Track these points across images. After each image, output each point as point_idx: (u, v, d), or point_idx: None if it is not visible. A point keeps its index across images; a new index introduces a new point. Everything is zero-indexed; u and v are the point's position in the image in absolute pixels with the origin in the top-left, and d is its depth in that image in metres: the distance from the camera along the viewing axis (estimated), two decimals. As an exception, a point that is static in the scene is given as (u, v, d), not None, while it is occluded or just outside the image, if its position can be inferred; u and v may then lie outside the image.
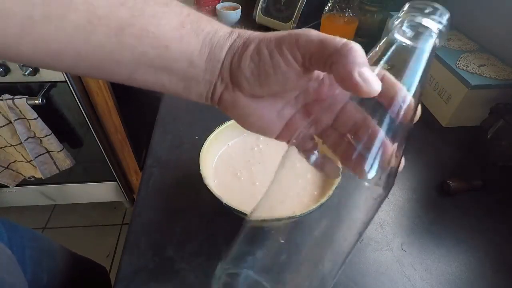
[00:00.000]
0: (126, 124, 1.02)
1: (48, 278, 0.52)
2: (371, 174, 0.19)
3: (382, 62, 0.20)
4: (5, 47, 0.19)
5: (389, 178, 0.20)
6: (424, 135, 0.58)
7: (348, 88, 0.19)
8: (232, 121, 0.44)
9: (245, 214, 0.34)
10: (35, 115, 0.86)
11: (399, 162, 0.20)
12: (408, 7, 0.20)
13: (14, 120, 0.85)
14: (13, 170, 1.03)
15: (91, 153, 1.05)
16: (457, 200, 0.47)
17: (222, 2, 0.89)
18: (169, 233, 0.41)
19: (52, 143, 0.93)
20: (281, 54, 0.21)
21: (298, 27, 0.79)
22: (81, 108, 0.91)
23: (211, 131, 0.43)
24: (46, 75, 0.84)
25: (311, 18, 0.81)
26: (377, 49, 0.21)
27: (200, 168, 0.38)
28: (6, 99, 0.82)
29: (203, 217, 0.43)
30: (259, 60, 0.21)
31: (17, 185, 1.08)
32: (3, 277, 0.40)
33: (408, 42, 0.20)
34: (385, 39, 0.21)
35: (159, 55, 0.21)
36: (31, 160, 0.95)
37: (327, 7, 0.69)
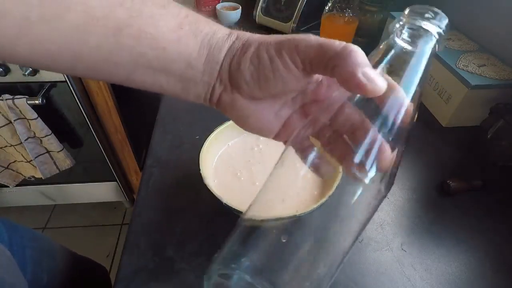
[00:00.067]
0: (126, 124, 1.02)
1: (48, 278, 0.52)
2: (369, 175, 0.19)
3: (381, 65, 0.20)
4: (1, 48, 0.19)
5: (388, 178, 0.20)
6: (424, 135, 0.58)
7: (353, 89, 0.19)
8: (232, 121, 0.44)
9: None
10: (35, 115, 0.86)
11: (399, 163, 0.20)
12: (409, 11, 0.20)
13: (14, 120, 0.85)
14: (13, 170, 1.03)
15: (91, 153, 1.05)
16: (457, 200, 0.47)
17: (222, 2, 0.89)
18: (169, 233, 0.41)
19: (52, 143, 0.93)
20: (281, 59, 0.21)
21: (298, 27, 0.79)
22: (81, 108, 0.91)
23: (211, 131, 0.43)
24: (46, 75, 0.84)
25: (311, 18, 0.81)
26: (376, 52, 0.21)
27: (200, 168, 0.38)
28: (6, 99, 0.82)
29: (203, 217, 0.43)
30: (259, 64, 0.21)
31: (17, 185, 1.08)
32: (3, 277, 0.40)
33: (408, 46, 0.20)
34: (385, 42, 0.21)
35: (157, 56, 0.21)
36: (31, 160, 0.95)
37: (327, 7, 0.69)
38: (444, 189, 0.48)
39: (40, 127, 0.88)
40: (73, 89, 0.86)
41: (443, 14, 0.20)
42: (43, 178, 1.00)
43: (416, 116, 0.21)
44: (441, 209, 0.46)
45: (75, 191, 1.21)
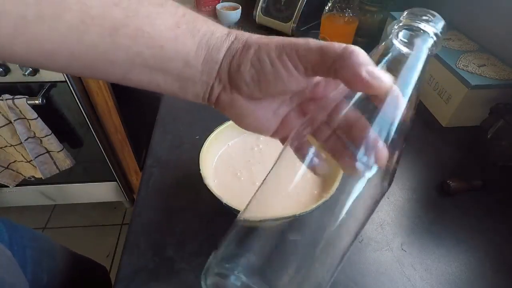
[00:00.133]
0: (126, 124, 1.02)
1: (48, 278, 0.52)
2: (366, 171, 0.19)
3: (379, 66, 0.21)
4: None
5: (388, 175, 0.20)
6: (424, 135, 0.58)
7: (360, 89, 0.19)
8: (232, 121, 0.44)
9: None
10: (35, 115, 0.86)
11: (398, 160, 0.21)
12: (407, 13, 0.21)
13: (14, 120, 0.85)
14: (13, 170, 1.03)
15: (91, 153, 1.05)
16: (457, 200, 0.47)
17: (222, 2, 0.89)
18: (169, 233, 0.41)
19: (52, 143, 0.93)
20: (282, 64, 0.21)
21: (298, 27, 0.79)
22: (81, 108, 0.91)
23: (211, 131, 0.43)
24: (46, 75, 0.84)
25: (311, 18, 0.81)
26: (374, 53, 0.22)
27: (200, 168, 0.38)
28: (6, 99, 0.82)
29: (203, 217, 0.43)
30: (260, 67, 0.21)
31: (17, 185, 1.08)
32: (3, 277, 0.40)
33: (405, 47, 0.21)
34: (383, 43, 0.22)
35: (154, 55, 0.21)
36: (31, 160, 0.95)
37: (327, 7, 0.69)
38: (444, 189, 0.48)
39: (40, 127, 0.88)
40: (73, 89, 0.86)
41: (439, 16, 0.21)
42: (43, 178, 1.00)
43: (414, 113, 0.21)
44: (441, 209, 0.46)
45: (75, 191, 1.21)
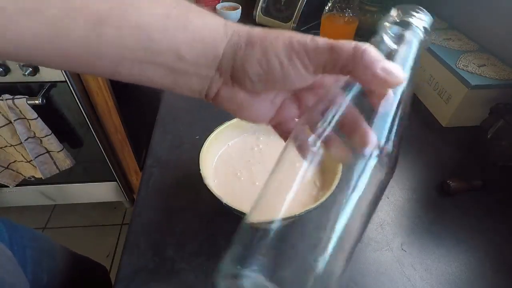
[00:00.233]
0: (126, 124, 1.02)
1: (48, 278, 0.52)
2: (360, 159, 0.20)
3: None
4: None
5: (390, 161, 0.21)
6: (424, 135, 0.58)
7: (376, 87, 0.20)
8: (232, 121, 0.44)
9: (245, 214, 0.34)
10: (35, 115, 0.86)
11: (398, 146, 0.21)
12: (396, 10, 0.22)
13: (14, 120, 0.85)
14: (13, 170, 1.03)
15: (91, 153, 1.05)
16: (457, 200, 0.47)
17: (222, 2, 0.89)
18: (169, 233, 0.41)
19: (52, 143, 0.93)
20: (292, 65, 0.21)
21: (298, 27, 0.79)
22: (81, 108, 0.91)
23: (211, 131, 0.43)
24: (46, 75, 0.84)
25: (311, 18, 0.81)
26: None
27: (200, 168, 0.38)
28: (6, 99, 0.82)
29: (203, 217, 0.43)
30: (268, 68, 0.21)
31: (17, 185, 1.08)
32: (3, 277, 0.40)
33: (395, 43, 0.22)
34: (373, 40, 0.22)
35: (142, 47, 0.20)
36: (31, 160, 0.95)
37: (327, 7, 0.69)
38: (444, 189, 0.48)
39: (40, 127, 0.88)
40: (73, 89, 0.86)
41: (427, 12, 0.22)
42: (43, 178, 1.00)
43: (410, 102, 0.22)
44: (441, 209, 0.46)
45: (75, 191, 1.21)
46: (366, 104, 0.21)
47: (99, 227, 1.34)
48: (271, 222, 0.21)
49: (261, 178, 0.42)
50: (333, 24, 0.70)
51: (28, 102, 0.82)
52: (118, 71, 0.22)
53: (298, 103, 0.26)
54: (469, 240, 0.43)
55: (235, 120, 0.44)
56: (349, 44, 0.20)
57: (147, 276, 0.37)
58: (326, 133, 0.21)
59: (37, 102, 0.82)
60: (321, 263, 0.20)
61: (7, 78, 0.83)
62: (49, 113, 0.90)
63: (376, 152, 0.20)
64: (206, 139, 0.42)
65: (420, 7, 0.21)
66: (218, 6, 0.86)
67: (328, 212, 0.23)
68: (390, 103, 0.21)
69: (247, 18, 0.86)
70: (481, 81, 0.54)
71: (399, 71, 0.19)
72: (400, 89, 0.21)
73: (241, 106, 0.24)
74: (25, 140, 0.89)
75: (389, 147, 0.21)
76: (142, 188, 0.46)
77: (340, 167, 0.22)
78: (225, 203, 0.35)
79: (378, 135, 0.20)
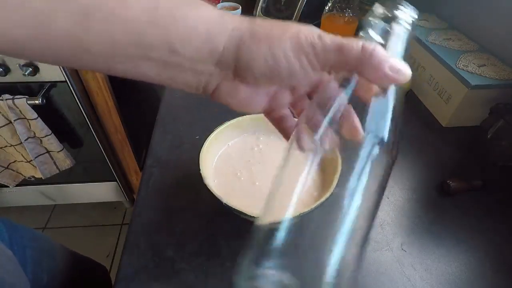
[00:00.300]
0: (126, 124, 1.02)
1: (48, 278, 0.52)
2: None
3: None
4: None
5: (392, 147, 0.21)
6: (424, 135, 0.58)
7: (385, 85, 0.21)
8: (232, 121, 0.44)
9: (245, 214, 0.35)
10: (35, 115, 0.86)
11: (395, 135, 0.21)
12: (380, 5, 0.22)
13: (14, 120, 0.85)
14: (13, 170, 1.03)
15: (91, 153, 1.05)
16: (457, 200, 0.47)
17: (222, 2, 0.89)
18: (169, 233, 0.41)
19: (52, 143, 0.93)
20: (300, 63, 0.21)
21: (298, 27, 0.79)
22: (81, 108, 0.91)
23: (211, 131, 0.43)
24: (46, 75, 0.84)
25: (311, 18, 0.81)
26: None
27: (200, 168, 0.38)
28: (6, 99, 0.82)
29: (203, 217, 0.43)
30: (275, 64, 0.21)
31: (17, 185, 1.08)
32: (3, 277, 0.40)
33: (381, 38, 0.22)
34: (359, 35, 0.22)
35: (132, 42, 0.20)
36: (31, 160, 0.95)
37: (327, 7, 0.69)
38: (444, 189, 0.48)
39: (40, 127, 0.88)
40: (73, 89, 0.86)
41: (411, 5, 0.22)
42: (43, 178, 1.00)
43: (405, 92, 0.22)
44: (441, 209, 0.46)
45: (75, 191, 1.21)
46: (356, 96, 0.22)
47: (99, 227, 1.34)
48: (284, 221, 0.22)
49: (261, 178, 0.42)
50: (333, 24, 0.70)
51: (28, 102, 0.83)
52: (114, 67, 0.21)
53: (292, 89, 0.26)
54: (469, 240, 0.43)
55: (235, 120, 0.45)
56: (357, 45, 0.20)
57: (147, 276, 0.37)
58: (326, 130, 0.21)
59: (37, 102, 0.83)
60: (337, 252, 0.21)
61: (7, 78, 0.83)
62: (49, 113, 0.90)
63: (376, 140, 0.21)
64: (206, 139, 0.42)
65: (404, 1, 0.22)
66: (218, 6, 0.86)
67: (338, 202, 0.23)
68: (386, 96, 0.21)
69: (247, 18, 0.86)
70: (481, 81, 0.54)
71: (406, 67, 0.20)
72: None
73: (240, 99, 0.24)
74: (25, 140, 0.89)
75: (386, 134, 0.21)
76: (142, 188, 0.46)
77: (340, 161, 0.23)
78: (225, 203, 0.35)
79: (376, 125, 0.21)
